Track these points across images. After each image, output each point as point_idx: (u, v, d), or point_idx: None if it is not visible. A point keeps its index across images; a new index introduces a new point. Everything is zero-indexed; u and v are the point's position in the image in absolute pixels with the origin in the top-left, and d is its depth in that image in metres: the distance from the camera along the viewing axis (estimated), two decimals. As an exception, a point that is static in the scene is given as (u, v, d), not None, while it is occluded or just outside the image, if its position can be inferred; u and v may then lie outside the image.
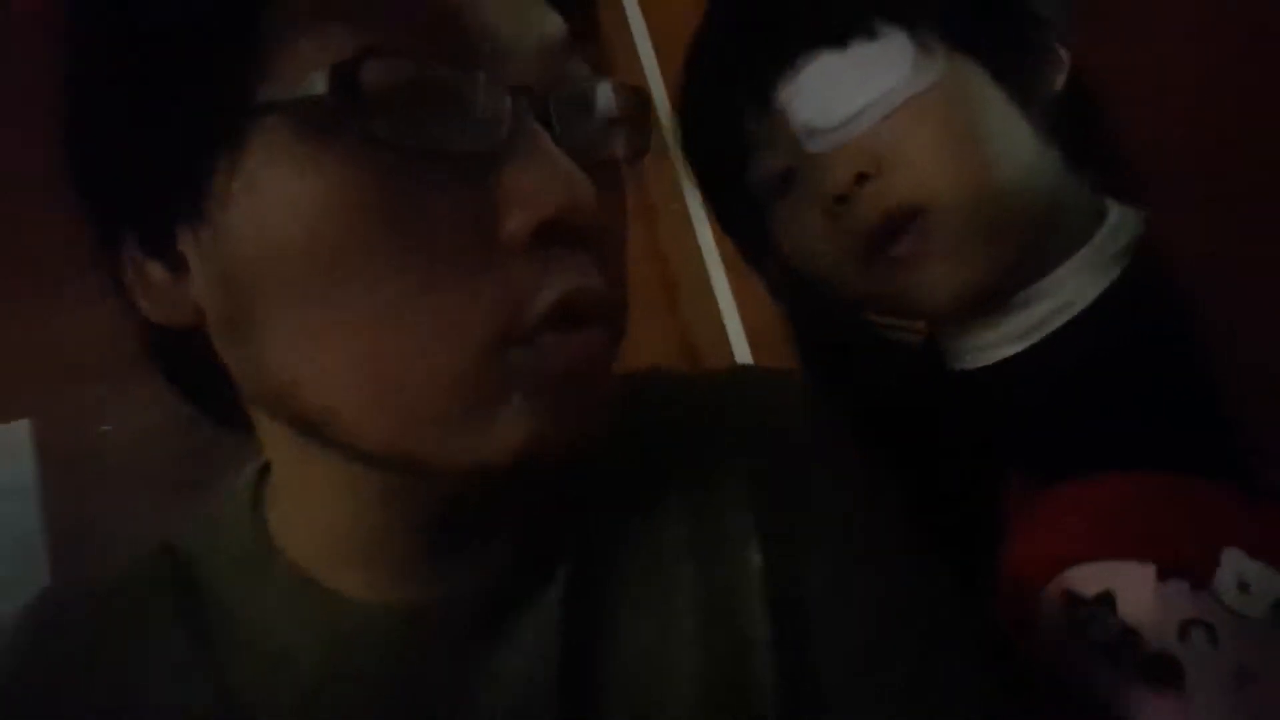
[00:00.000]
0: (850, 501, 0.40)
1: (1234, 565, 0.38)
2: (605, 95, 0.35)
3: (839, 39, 0.44)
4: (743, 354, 1.27)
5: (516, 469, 0.31)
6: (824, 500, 0.40)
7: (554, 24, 0.34)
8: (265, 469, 0.40)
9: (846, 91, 0.44)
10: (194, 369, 0.35)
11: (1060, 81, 0.47)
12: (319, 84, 0.29)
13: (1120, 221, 0.47)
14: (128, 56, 0.32)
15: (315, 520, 0.38)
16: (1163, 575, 0.39)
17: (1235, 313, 0.40)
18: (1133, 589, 0.39)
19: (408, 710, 0.36)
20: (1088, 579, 0.41)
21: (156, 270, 0.34)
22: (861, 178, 0.44)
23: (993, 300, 0.46)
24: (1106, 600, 0.40)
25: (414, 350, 0.30)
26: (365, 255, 0.30)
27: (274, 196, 0.30)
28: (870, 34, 0.44)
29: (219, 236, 0.31)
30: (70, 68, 0.34)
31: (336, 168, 0.30)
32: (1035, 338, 0.46)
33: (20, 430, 1.19)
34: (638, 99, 0.36)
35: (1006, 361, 0.47)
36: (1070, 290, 0.46)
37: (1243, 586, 0.38)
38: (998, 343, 0.47)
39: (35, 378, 1.19)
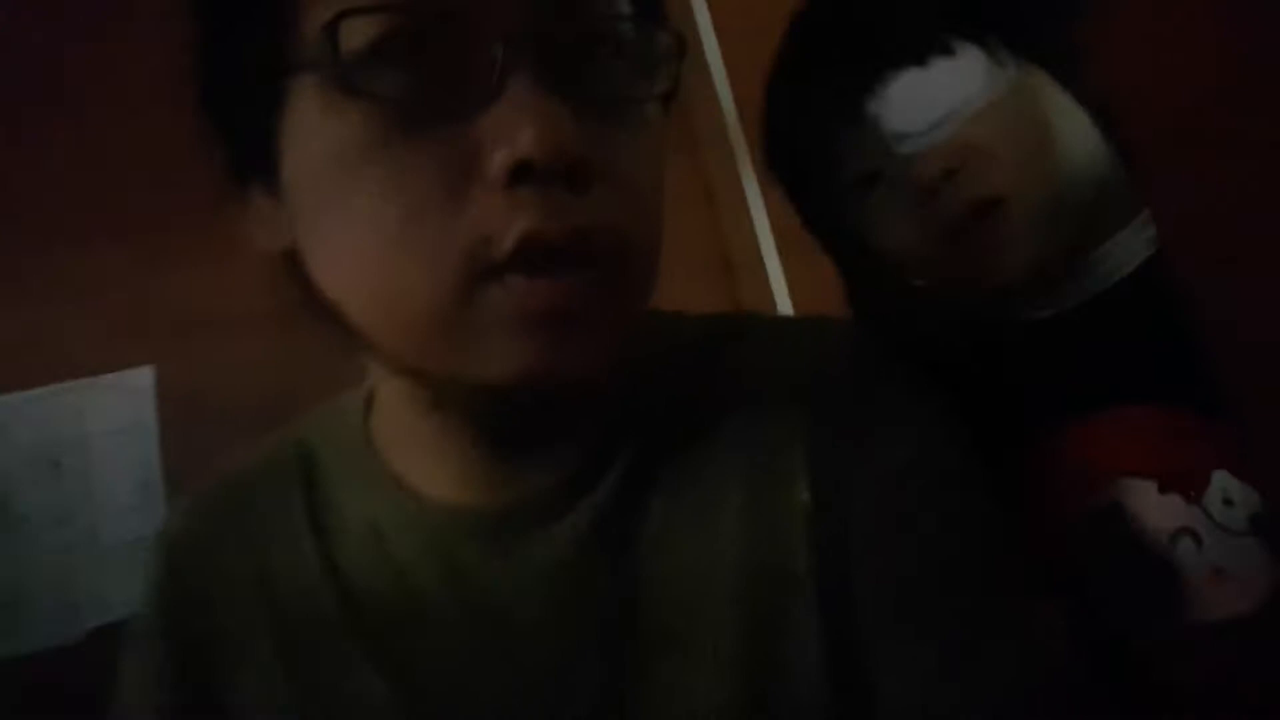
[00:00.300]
0: (904, 447, 0.40)
1: (1221, 484, 0.47)
2: (628, 36, 0.35)
3: (920, 58, 0.52)
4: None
5: (521, 393, 0.34)
6: (877, 444, 0.40)
7: None
8: None
9: (931, 101, 0.51)
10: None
11: None
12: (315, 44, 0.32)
13: None
14: (205, 23, 0.37)
15: (396, 427, 0.43)
16: (1162, 489, 0.48)
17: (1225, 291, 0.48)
18: (1137, 501, 0.49)
19: (470, 595, 0.40)
20: (1103, 493, 0.50)
21: (267, 205, 0.38)
22: (948, 174, 0.51)
23: (1051, 270, 0.53)
24: (1115, 510, 0.49)
25: (402, 279, 0.33)
26: (363, 195, 0.33)
27: (300, 144, 0.34)
28: (947, 51, 0.51)
29: (284, 180, 0.36)
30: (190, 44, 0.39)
31: (339, 117, 0.32)
32: (1081, 299, 0.54)
33: (144, 375, 1.31)
34: (666, 39, 0.36)
35: (1056, 317, 0.54)
36: (1115, 260, 0.53)
37: (1227, 502, 0.47)
38: (1050, 303, 0.55)
39: (159, 328, 1.31)
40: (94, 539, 1.28)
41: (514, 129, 0.31)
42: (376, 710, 0.40)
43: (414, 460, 0.42)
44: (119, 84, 1.31)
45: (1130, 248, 0.54)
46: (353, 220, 0.33)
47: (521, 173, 0.31)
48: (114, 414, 1.30)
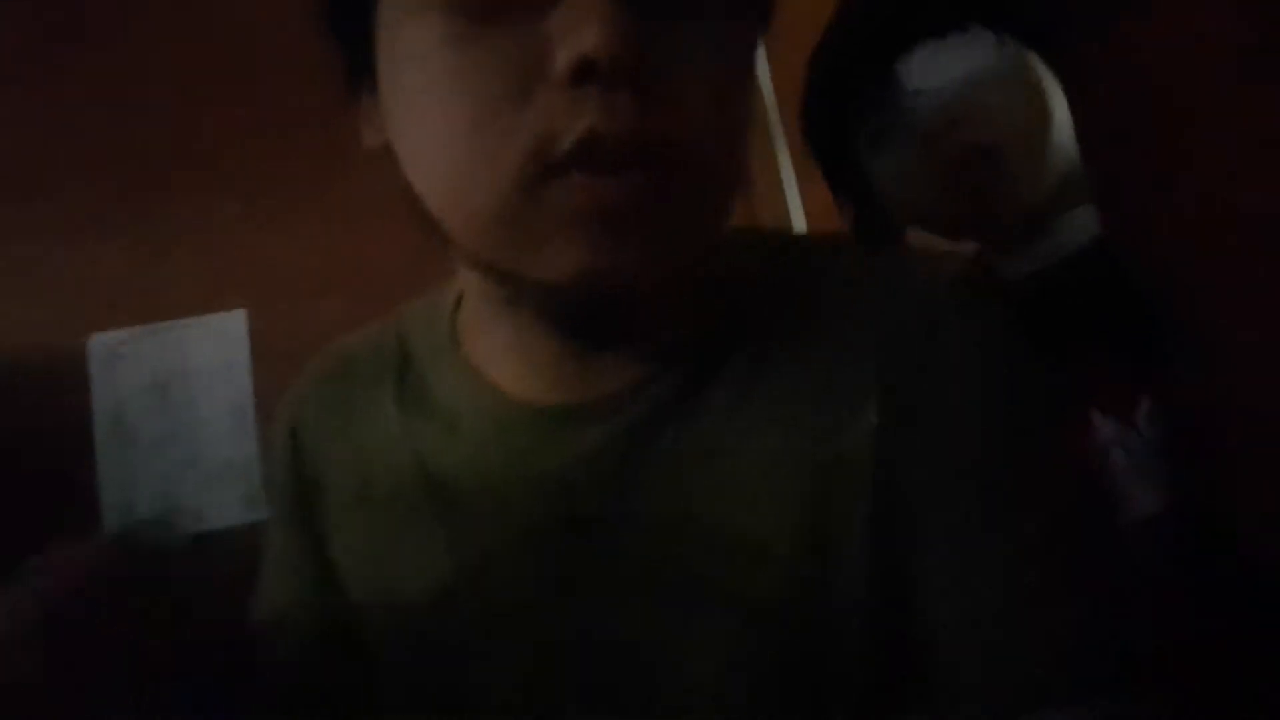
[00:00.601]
0: (982, 386, 0.39)
1: (1146, 409, 0.60)
2: None
3: (942, 33, 0.64)
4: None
5: (581, 293, 0.34)
6: (954, 380, 0.39)
7: None
8: None
9: (945, 65, 0.63)
10: None
11: None
12: None
13: None
14: None
15: (477, 323, 0.45)
16: (1103, 414, 0.61)
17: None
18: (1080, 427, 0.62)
19: (529, 482, 0.42)
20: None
21: (371, 105, 0.40)
22: (954, 123, 0.63)
23: (1029, 227, 0.66)
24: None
25: (470, 173, 0.34)
26: (438, 92, 0.34)
27: (389, 45, 0.36)
28: (963, 30, 0.64)
29: (379, 79, 0.38)
30: None
31: (420, 19, 0.34)
32: (1050, 260, 0.65)
33: (238, 318, 1.48)
34: None
35: (1032, 275, 0.66)
36: (1077, 229, 0.65)
37: (1150, 423, 0.60)
38: (1026, 262, 0.66)
39: (252, 275, 1.47)
40: (195, 459, 1.45)
41: (578, 28, 0.31)
42: (441, 576, 0.43)
43: (491, 355, 0.44)
44: (241, 55, 1.47)
45: (1091, 219, 0.66)
46: (429, 116, 0.35)
47: (584, 72, 0.31)
48: (213, 351, 1.47)
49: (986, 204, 0.65)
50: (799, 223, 1.47)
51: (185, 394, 1.46)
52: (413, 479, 0.44)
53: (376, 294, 1.25)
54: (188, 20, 1.50)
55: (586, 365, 0.41)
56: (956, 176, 0.64)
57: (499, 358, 0.44)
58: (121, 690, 0.35)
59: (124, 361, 1.47)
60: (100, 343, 1.47)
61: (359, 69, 0.39)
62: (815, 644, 0.38)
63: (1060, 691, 0.33)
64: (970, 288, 0.43)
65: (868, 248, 0.72)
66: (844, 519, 0.38)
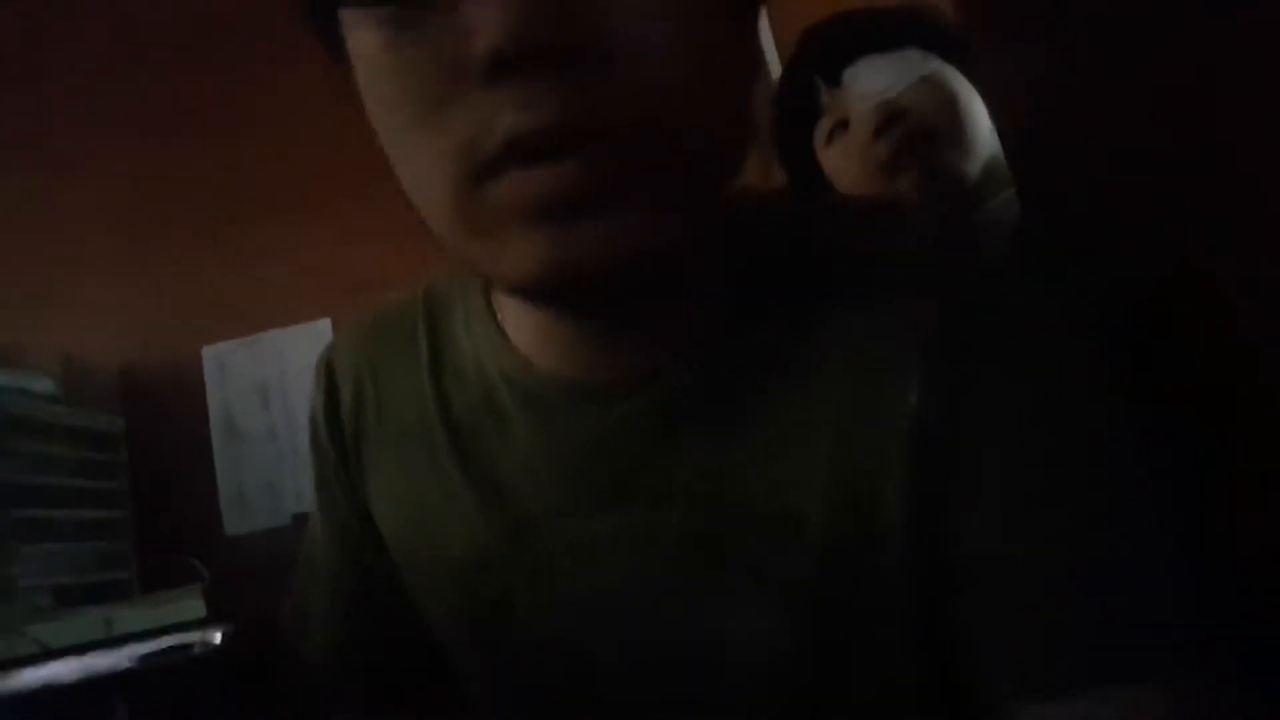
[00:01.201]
0: (1038, 377, 0.36)
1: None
2: None
3: (880, 48, 0.79)
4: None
5: (550, 288, 0.32)
6: (1010, 368, 0.36)
7: None
8: None
9: (885, 72, 0.78)
10: None
11: None
12: None
13: None
14: None
15: (504, 302, 0.45)
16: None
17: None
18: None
19: (556, 450, 0.42)
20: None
21: None
22: (898, 115, 0.75)
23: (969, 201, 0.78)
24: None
25: (423, 176, 0.33)
26: (384, 102, 0.33)
27: (353, 61, 0.34)
28: (897, 46, 0.78)
29: None
30: None
31: (360, 30, 0.33)
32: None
33: (323, 326, 1.70)
34: None
35: None
36: (1004, 211, 0.76)
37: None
38: None
39: (334, 287, 1.67)
40: (294, 449, 1.68)
41: (486, 20, 0.28)
42: (474, 538, 0.44)
43: (518, 327, 0.44)
44: (318, 85, 1.69)
45: (1013, 208, 0.78)
46: (384, 121, 0.34)
47: (498, 66, 0.28)
48: (304, 355, 1.68)
49: (926, 181, 0.77)
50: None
51: (282, 394, 1.70)
52: (440, 429, 0.45)
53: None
54: (279, 76, 1.72)
55: (611, 344, 0.40)
56: (900, 161, 0.78)
57: (524, 330, 0.44)
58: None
59: (230, 369, 1.71)
60: (211, 353, 1.72)
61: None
62: (854, 625, 0.37)
63: (1117, 670, 0.32)
64: (1017, 262, 0.42)
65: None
66: (881, 490, 0.36)
